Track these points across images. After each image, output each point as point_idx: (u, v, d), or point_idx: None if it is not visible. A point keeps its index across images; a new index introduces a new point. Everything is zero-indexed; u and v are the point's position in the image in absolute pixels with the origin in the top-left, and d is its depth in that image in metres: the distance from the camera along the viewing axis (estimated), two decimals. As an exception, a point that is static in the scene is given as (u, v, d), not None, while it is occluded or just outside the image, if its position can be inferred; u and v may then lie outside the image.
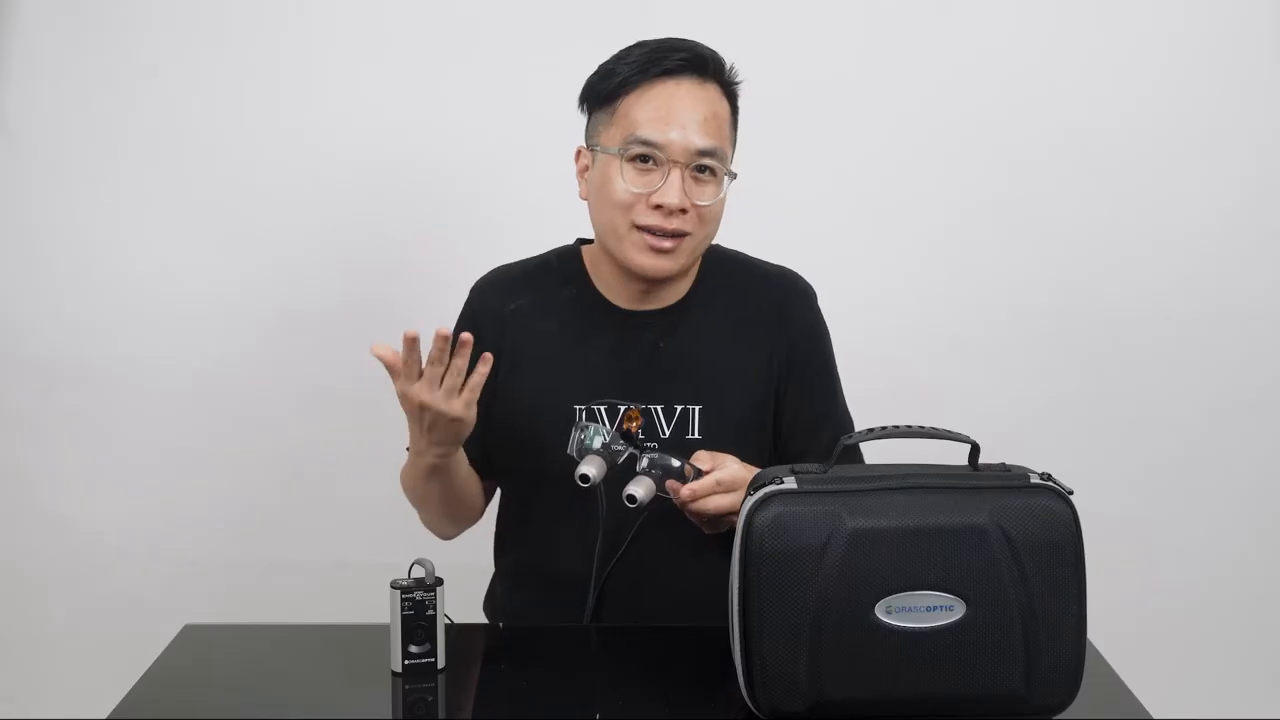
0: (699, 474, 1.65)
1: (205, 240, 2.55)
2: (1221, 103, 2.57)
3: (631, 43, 1.81)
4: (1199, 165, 2.58)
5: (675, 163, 1.74)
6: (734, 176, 1.79)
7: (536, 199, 2.48)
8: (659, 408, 1.82)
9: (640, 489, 1.62)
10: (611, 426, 1.80)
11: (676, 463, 1.65)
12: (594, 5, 2.49)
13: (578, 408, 1.80)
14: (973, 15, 2.55)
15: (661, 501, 1.66)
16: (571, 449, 1.66)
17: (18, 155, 2.53)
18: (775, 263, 1.94)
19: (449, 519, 1.90)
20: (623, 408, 1.81)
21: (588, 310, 1.86)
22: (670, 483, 1.65)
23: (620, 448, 1.66)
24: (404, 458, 1.93)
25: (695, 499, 1.64)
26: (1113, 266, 2.60)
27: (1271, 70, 2.56)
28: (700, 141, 1.75)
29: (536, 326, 1.86)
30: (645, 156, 1.75)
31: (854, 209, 2.58)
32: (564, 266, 1.90)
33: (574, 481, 1.62)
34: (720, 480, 1.64)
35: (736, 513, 1.64)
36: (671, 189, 1.73)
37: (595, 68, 1.82)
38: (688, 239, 1.77)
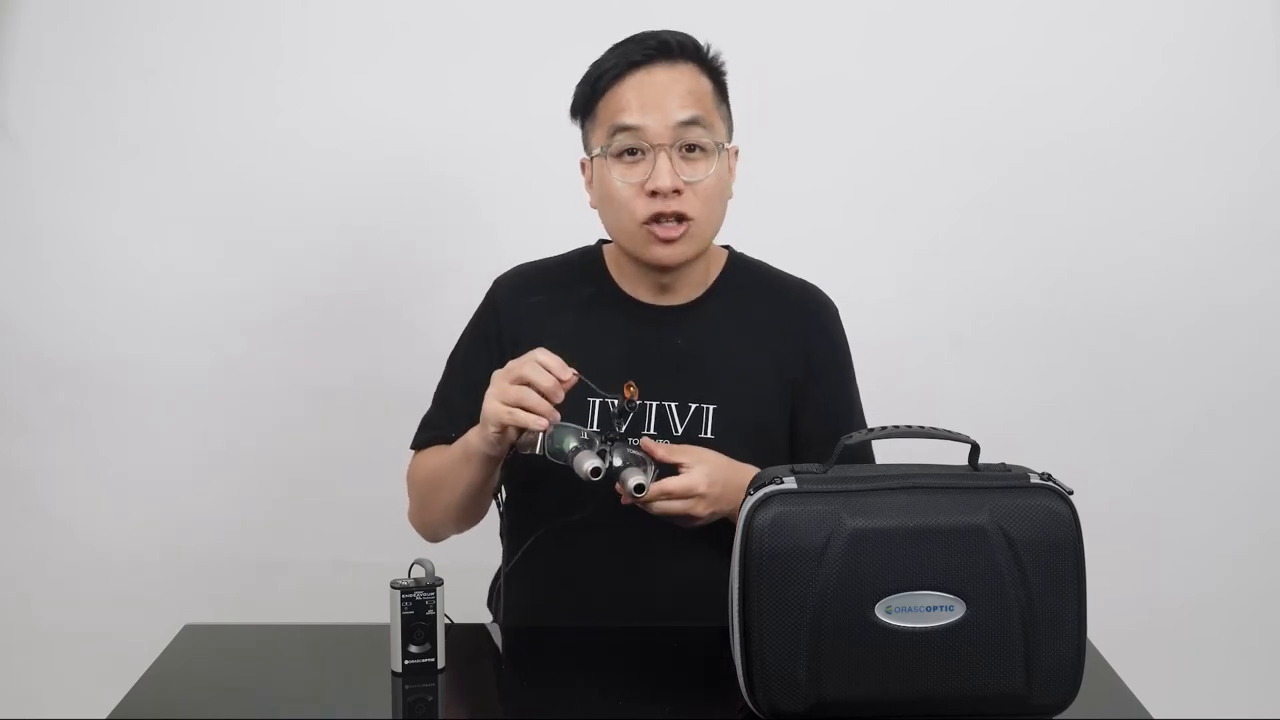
0: (653, 463, 1.65)
1: (205, 240, 2.55)
2: (1222, 102, 2.57)
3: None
4: (1199, 165, 2.58)
5: (659, 146, 1.74)
6: (724, 149, 1.78)
7: (539, 198, 2.49)
8: (673, 404, 1.82)
9: (644, 476, 1.62)
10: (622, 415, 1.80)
11: (639, 454, 1.65)
12: (596, 3, 2.49)
13: (591, 400, 1.79)
14: (973, 14, 2.55)
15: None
16: (542, 449, 1.64)
17: (18, 156, 2.53)
18: (799, 276, 1.93)
19: (463, 514, 1.85)
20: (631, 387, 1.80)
21: (606, 306, 1.86)
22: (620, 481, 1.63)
23: (587, 439, 1.63)
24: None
25: (646, 501, 1.64)
26: (1113, 266, 2.60)
27: (1272, 70, 2.55)
28: (679, 115, 1.75)
29: (553, 322, 1.85)
30: (632, 149, 1.76)
31: (854, 207, 2.58)
32: (585, 264, 1.90)
33: (573, 477, 1.61)
34: (668, 490, 1.64)
35: (689, 517, 1.66)
36: (661, 172, 1.74)
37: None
38: (692, 222, 1.77)
